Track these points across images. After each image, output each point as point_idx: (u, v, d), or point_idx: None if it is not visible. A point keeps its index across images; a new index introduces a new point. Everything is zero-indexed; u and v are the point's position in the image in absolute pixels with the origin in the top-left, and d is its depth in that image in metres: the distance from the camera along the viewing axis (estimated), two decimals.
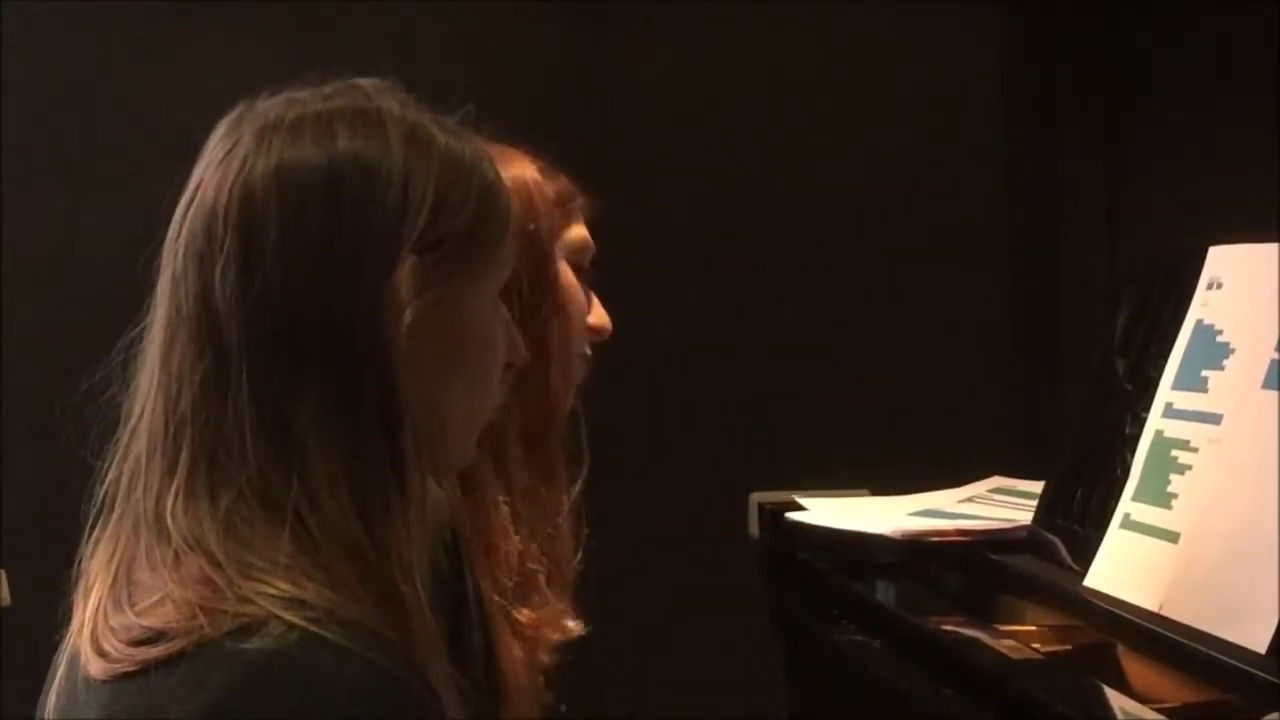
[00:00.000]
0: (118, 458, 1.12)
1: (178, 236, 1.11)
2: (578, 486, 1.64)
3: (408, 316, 1.08)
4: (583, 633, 1.56)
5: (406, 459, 1.08)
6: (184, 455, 1.08)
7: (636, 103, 2.84)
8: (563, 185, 1.60)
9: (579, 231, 1.63)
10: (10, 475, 2.52)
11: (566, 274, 1.58)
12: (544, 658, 1.52)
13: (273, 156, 1.09)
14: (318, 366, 1.07)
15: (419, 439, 1.09)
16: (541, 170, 1.58)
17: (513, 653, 1.46)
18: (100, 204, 2.59)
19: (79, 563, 1.13)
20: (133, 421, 1.12)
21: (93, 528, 1.13)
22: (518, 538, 1.50)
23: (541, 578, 1.52)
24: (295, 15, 2.67)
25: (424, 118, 1.14)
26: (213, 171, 1.11)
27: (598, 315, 1.65)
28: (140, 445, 1.11)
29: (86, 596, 1.10)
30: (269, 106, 1.13)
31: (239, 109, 1.14)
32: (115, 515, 1.11)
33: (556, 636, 1.53)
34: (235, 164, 1.09)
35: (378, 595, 1.05)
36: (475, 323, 1.15)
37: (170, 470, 1.08)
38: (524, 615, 1.49)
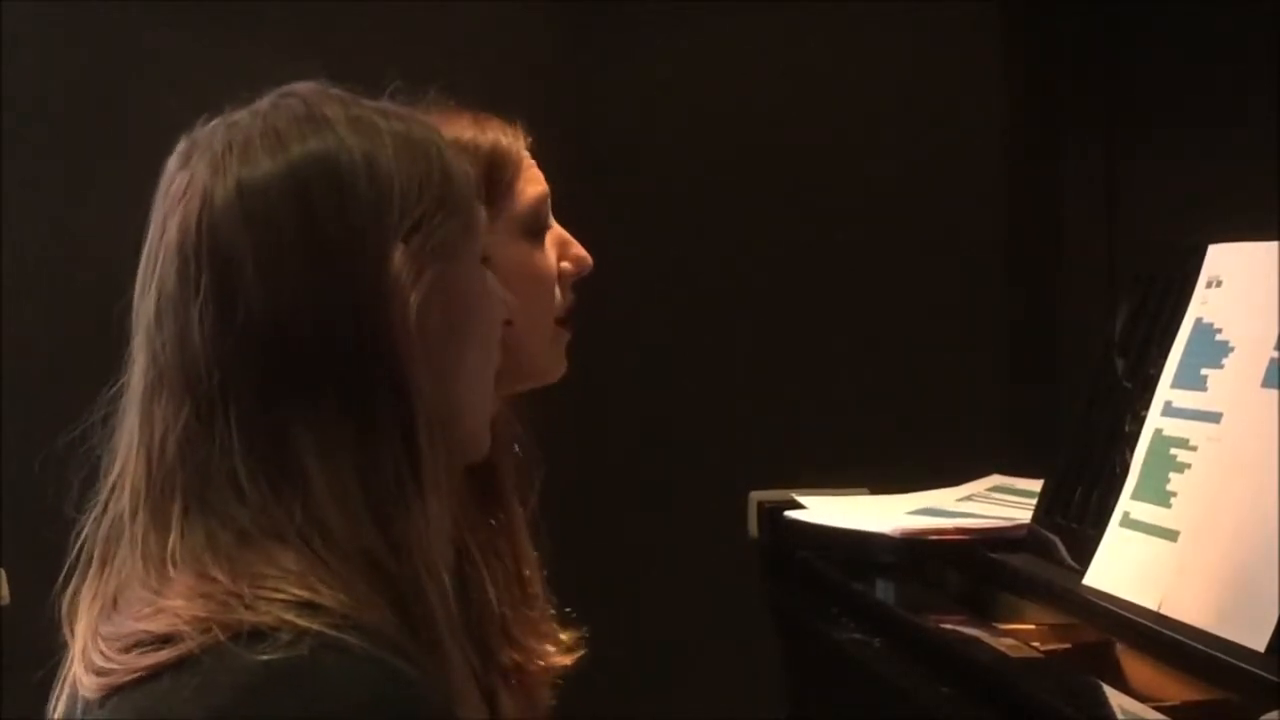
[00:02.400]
0: (95, 515, 1.09)
1: (147, 289, 1.08)
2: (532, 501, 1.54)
3: (413, 304, 1.06)
4: (572, 661, 1.49)
5: (422, 456, 1.06)
6: (176, 507, 1.05)
7: (636, 102, 2.84)
8: (497, 140, 1.48)
9: (531, 190, 1.50)
10: (10, 473, 2.52)
11: (524, 260, 1.48)
12: (542, 697, 1.45)
13: (230, 180, 1.06)
14: (317, 384, 1.04)
15: (434, 432, 1.06)
16: (475, 121, 1.47)
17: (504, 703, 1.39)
18: (100, 204, 2.59)
19: (60, 611, 1.10)
20: (112, 479, 1.09)
21: (68, 579, 1.10)
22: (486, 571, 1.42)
23: (511, 611, 1.44)
24: (294, 15, 2.67)
25: (363, 109, 1.12)
26: (173, 212, 1.08)
27: (573, 258, 1.54)
28: (123, 504, 1.08)
29: (73, 639, 1.08)
30: (211, 135, 1.10)
31: (182, 144, 1.12)
32: (95, 569, 1.08)
33: (546, 665, 1.45)
34: (195, 201, 1.07)
35: (398, 602, 1.03)
36: (473, 290, 1.13)
37: (163, 526, 1.05)
38: (510, 655, 1.42)
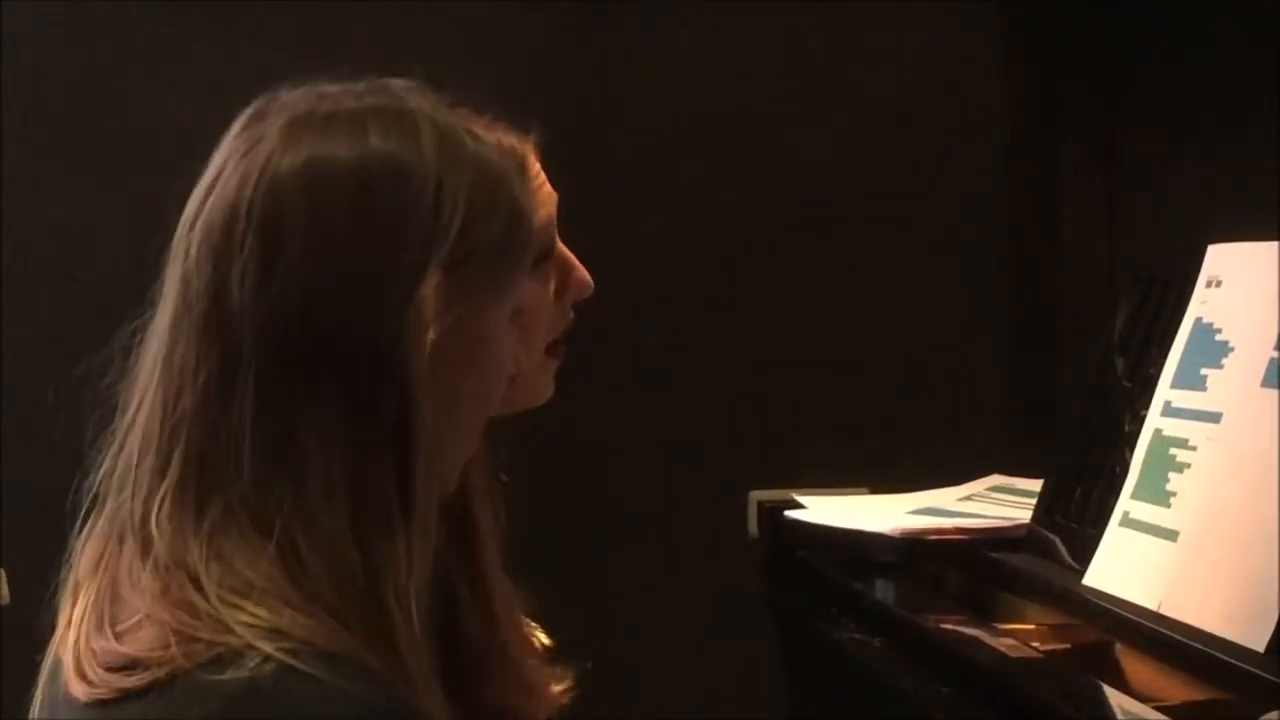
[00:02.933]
0: (111, 450, 1.09)
1: (192, 227, 1.07)
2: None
3: (431, 335, 1.04)
4: (560, 705, 1.43)
5: (414, 481, 1.04)
6: (176, 457, 1.04)
7: (635, 102, 2.84)
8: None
9: (539, 214, 1.33)
10: (10, 473, 2.52)
11: (524, 293, 1.35)
12: None
13: (301, 152, 1.04)
14: (331, 379, 1.02)
15: (429, 460, 1.05)
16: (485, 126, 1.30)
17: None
18: (100, 204, 2.59)
19: (69, 556, 1.10)
20: (129, 415, 1.08)
21: (84, 521, 1.10)
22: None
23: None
24: (296, 14, 2.67)
25: (456, 123, 1.10)
26: (235, 163, 1.06)
27: (575, 284, 1.47)
28: (134, 442, 1.07)
29: (73, 599, 1.08)
30: (296, 99, 1.09)
31: (261, 100, 1.10)
32: (105, 513, 1.09)
33: (530, 709, 1.39)
34: (260, 157, 1.05)
35: (364, 620, 1.01)
36: (491, 344, 1.11)
37: (161, 472, 1.04)
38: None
